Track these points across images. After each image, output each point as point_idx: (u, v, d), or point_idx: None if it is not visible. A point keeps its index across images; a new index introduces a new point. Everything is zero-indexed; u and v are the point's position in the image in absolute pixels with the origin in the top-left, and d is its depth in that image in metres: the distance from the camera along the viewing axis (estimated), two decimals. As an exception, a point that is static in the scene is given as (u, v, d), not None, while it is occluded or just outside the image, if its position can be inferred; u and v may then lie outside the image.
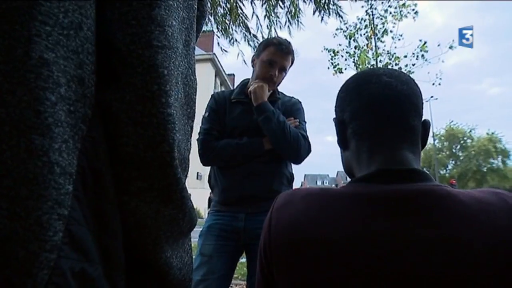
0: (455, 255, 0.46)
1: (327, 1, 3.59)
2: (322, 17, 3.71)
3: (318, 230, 0.51)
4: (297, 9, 3.67)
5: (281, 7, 3.66)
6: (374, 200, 0.52)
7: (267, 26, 3.77)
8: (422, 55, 8.56)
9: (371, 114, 0.60)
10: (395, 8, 8.58)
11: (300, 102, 1.64)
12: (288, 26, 3.77)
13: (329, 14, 3.68)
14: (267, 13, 3.68)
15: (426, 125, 0.62)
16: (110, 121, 0.31)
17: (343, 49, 8.92)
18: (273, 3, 3.61)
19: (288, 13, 3.70)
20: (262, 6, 3.64)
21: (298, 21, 3.74)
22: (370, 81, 0.61)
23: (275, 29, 3.78)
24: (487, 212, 0.49)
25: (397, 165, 0.56)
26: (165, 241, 0.35)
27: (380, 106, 0.59)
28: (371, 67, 8.54)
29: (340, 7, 3.69)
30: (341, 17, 3.77)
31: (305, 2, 3.58)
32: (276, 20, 3.74)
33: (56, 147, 0.25)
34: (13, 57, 0.24)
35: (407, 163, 0.56)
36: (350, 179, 0.66)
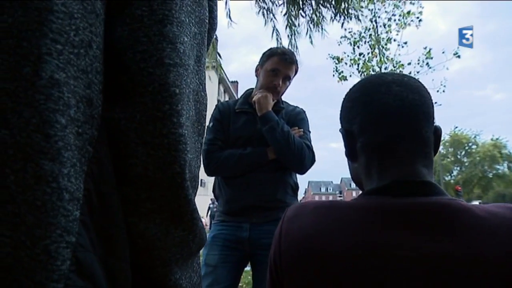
0: (473, 270, 0.44)
1: (346, 6, 3.52)
2: (343, 23, 3.66)
3: (329, 243, 0.51)
4: (320, 17, 3.60)
5: (302, 16, 3.60)
6: (387, 213, 0.51)
7: (288, 36, 3.71)
8: (427, 63, 8.57)
9: (382, 127, 0.57)
10: (399, 16, 8.62)
11: (304, 112, 1.63)
12: (310, 36, 3.71)
13: (350, 19, 3.63)
14: (289, 23, 3.61)
15: (437, 132, 0.59)
16: (118, 141, 0.30)
17: (348, 56, 8.97)
18: (295, 13, 3.55)
19: (310, 22, 3.63)
20: (283, 16, 3.59)
21: (322, 28, 3.67)
22: (379, 90, 0.57)
23: (295, 39, 3.73)
24: (505, 226, 0.47)
25: (410, 177, 0.55)
26: (174, 262, 0.34)
27: (391, 119, 0.56)
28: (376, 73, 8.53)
29: (361, 10, 3.63)
30: (360, 21, 3.71)
31: (325, 7, 3.51)
32: (297, 30, 3.68)
33: (66, 172, 0.24)
34: (20, 75, 0.23)
35: (421, 177, 0.55)
36: (356, 187, 0.65)
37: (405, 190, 0.53)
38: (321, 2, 3.46)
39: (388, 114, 0.56)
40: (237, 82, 30.59)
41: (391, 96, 0.56)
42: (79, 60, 0.26)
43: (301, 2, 3.45)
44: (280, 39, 3.68)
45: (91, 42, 0.27)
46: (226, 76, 26.20)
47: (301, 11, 3.51)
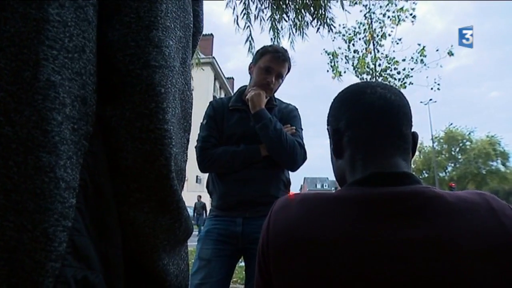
0: (445, 251, 0.48)
1: (322, 13, 3.64)
2: (318, 28, 3.78)
3: (313, 232, 0.54)
4: (302, 21, 3.73)
5: (285, 20, 3.72)
6: (366, 202, 0.54)
7: (271, 39, 3.82)
8: (421, 60, 8.60)
9: (367, 123, 0.63)
10: (393, 12, 8.64)
11: (297, 109, 1.66)
12: (292, 40, 3.82)
13: (324, 25, 3.75)
14: (273, 26, 3.73)
15: (415, 136, 0.66)
16: (110, 136, 0.33)
17: (342, 53, 8.97)
18: (279, 17, 3.67)
19: (293, 26, 3.75)
20: (268, 20, 3.68)
21: (302, 32, 3.79)
22: (365, 91, 0.65)
23: (278, 41, 3.84)
24: (472, 211, 0.51)
25: (389, 169, 0.59)
26: (162, 249, 0.36)
27: (376, 115, 0.63)
28: (370, 71, 8.62)
29: (332, 19, 3.72)
30: (331, 30, 3.80)
31: (306, 11, 3.62)
32: (279, 33, 3.78)
33: (62, 163, 0.27)
34: (21, 79, 0.26)
35: (400, 168, 0.59)
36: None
37: (384, 181, 0.57)
38: (302, 7, 3.60)
39: (372, 111, 0.63)
40: (233, 78, 30.61)
41: (375, 96, 0.64)
42: (73, 64, 0.29)
43: (284, 6, 3.58)
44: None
45: (84, 47, 0.30)
46: (222, 73, 26.18)
47: (284, 15, 3.65)
